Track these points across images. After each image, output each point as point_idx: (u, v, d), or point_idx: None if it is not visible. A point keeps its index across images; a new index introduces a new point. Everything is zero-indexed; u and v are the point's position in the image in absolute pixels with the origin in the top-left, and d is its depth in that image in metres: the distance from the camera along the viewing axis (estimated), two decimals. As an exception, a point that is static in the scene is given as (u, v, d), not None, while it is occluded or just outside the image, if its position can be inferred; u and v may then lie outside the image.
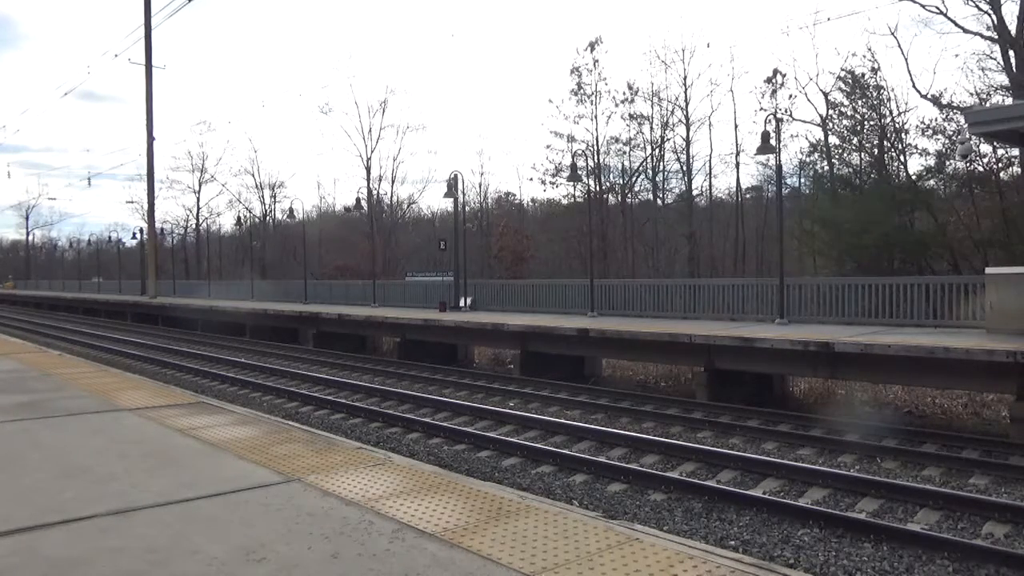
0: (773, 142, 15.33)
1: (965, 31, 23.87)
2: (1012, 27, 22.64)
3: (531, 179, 61.64)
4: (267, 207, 58.48)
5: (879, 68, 27.93)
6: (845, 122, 29.64)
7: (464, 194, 26.91)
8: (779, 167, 18.21)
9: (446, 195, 24.31)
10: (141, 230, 45.71)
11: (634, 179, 39.16)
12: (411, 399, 13.21)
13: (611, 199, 39.38)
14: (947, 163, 25.66)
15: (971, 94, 24.89)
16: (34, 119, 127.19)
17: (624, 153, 38.26)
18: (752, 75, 66.21)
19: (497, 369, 19.27)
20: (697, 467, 8.56)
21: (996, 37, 23.19)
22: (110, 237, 59.21)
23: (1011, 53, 22.89)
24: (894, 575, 5.57)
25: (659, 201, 38.99)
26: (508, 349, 18.44)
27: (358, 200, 30.81)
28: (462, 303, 22.36)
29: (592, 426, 10.64)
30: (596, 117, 37.88)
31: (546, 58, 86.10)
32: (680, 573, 3.02)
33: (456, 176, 23.37)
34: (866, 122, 28.65)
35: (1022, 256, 19.43)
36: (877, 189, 26.50)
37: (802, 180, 34.23)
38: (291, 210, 38.80)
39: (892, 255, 24.85)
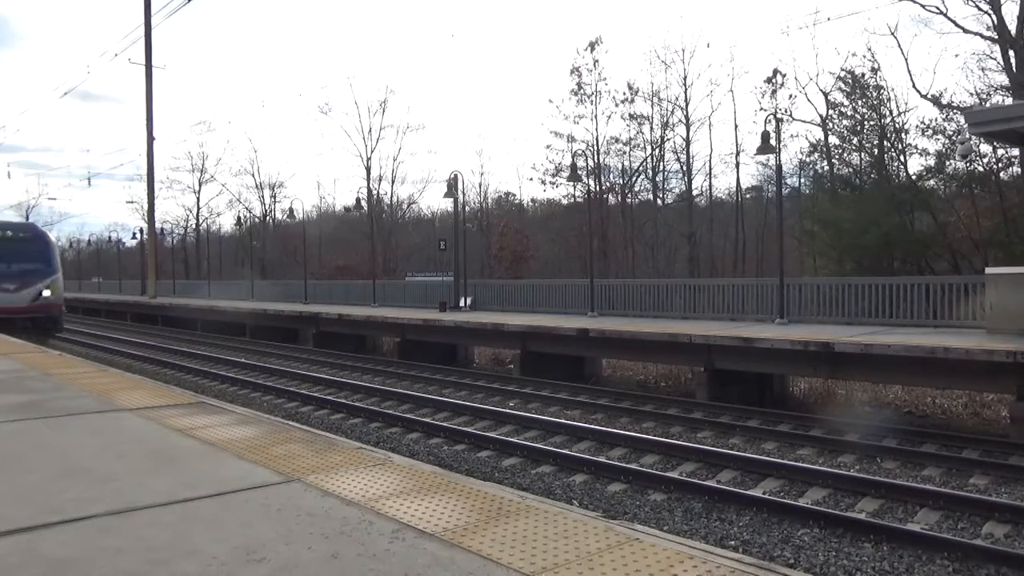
0: (773, 142, 15.33)
1: (965, 31, 23.93)
2: (1012, 27, 22.66)
3: (531, 179, 61.90)
4: (267, 207, 58.60)
5: (879, 68, 28.00)
6: (845, 122, 29.68)
7: (464, 194, 26.94)
8: (779, 167, 18.22)
9: (446, 195, 24.32)
10: (141, 230, 45.76)
11: (634, 179, 39.23)
12: (411, 399, 13.21)
13: (611, 199, 39.44)
14: (947, 163, 25.68)
15: (971, 94, 24.96)
16: (33, 119, 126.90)
17: (624, 153, 38.36)
18: (752, 75, 66.28)
19: (497, 369, 19.28)
20: (697, 467, 8.56)
21: (996, 37, 23.21)
22: (110, 237, 59.53)
23: (1011, 53, 22.90)
24: (894, 575, 5.57)
25: (659, 201, 39.02)
26: (508, 349, 18.44)
27: (358, 200, 30.85)
28: (462, 303, 22.36)
29: (592, 426, 10.63)
30: (596, 117, 37.98)
31: (546, 58, 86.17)
32: (680, 573, 3.02)
33: (456, 176, 23.39)
34: (866, 122, 28.67)
35: (1022, 256, 19.44)
36: (877, 189, 26.51)
37: (802, 180, 34.33)
38: (291, 210, 38.90)
39: (892, 255, 24.87)
